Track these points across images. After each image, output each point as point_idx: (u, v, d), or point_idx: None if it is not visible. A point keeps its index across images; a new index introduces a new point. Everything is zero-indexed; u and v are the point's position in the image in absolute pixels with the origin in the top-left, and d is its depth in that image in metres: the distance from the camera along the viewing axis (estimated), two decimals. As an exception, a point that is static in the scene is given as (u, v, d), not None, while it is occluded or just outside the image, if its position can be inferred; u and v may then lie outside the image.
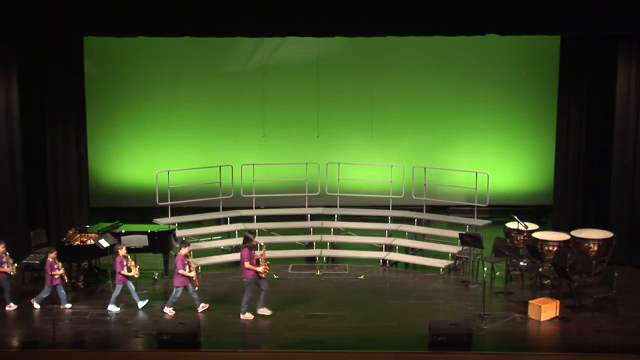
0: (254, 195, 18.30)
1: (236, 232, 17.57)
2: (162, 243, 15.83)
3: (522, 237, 15.84)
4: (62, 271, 14.19)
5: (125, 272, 14.12)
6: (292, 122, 19.85)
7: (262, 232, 17.49)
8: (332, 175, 18.79)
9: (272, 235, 17.56)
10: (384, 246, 17.15)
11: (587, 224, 16.70)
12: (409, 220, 17.89)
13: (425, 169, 18.21)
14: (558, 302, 13.76)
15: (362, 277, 15.95)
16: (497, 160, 19.62)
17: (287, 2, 15.33)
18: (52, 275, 14.07)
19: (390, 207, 18.19)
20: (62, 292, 14.26)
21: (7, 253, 14.29)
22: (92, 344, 12.91)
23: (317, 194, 18.67)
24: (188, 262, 14.00)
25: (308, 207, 18.58)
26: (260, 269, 13.78)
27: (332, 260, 16.99)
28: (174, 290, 13.99)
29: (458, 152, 19.72)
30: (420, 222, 17.87)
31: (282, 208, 18.51)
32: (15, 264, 14.47)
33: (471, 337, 12.62)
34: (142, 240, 15.56)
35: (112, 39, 18.14)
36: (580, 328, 13.34)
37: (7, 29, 15.54)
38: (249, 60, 19.78)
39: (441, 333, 12.60)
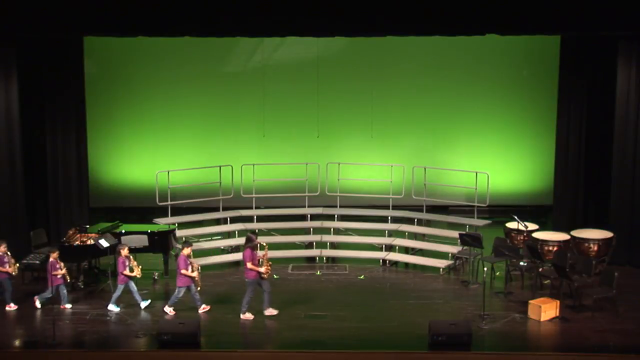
0: (254, 195, 18.30)
1: (236, 232, 17.58)
2: (162, 243, 15.83)
3: (522, 237, 15.84)
4: (64, 271, 14.19)
5: (127, 272, 14.12)
6: (292, 122, 19.85)
7: (262, 232, 17.47)
8: (332, 175, 18.79)
9: (272, 235, 17.56)
10: (384, 246, 17.15)
11: (587, 224, 16.70)
12: (409, 220, 17.89)
13: (425, 169, 18.22)
14: (558, 302, 13.77)
15: (362, 277, 15.95)
16: (497, 160, 19.62)
17: (287, 2, 15.33)
18: (55, 275, 14.07)
19: (390, 207, 18.19)
20: (63, 292, 14.26)
21: (9, 253, 14.29)
22: (92, 344, 12.91)
23: (317, 194, 18.67)
24: (191, 263, 13.99)
25: (308, 207, 18.58)
26: (262, 269, 13.77)
27: (332, 260, 16.99)
28: (177, 290, 13.99)
29: (458, 152, 19.72)
30: (420, 222, 17.87)
31: (282, 208, 18.51)
32: (17, 264, 14.48)
33: (471, 337, 12.62)
34: (142, 240, 15.56)
35: (112, 39, 18.15)
36: (580, 328, 13.34)
37: (7, 29, 15.53)
38: (249, 60, 19.78)
39: (441, 333, 12.60)
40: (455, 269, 16.31)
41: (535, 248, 14.90)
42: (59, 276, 14.12)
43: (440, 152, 19.77)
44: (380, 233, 17.67)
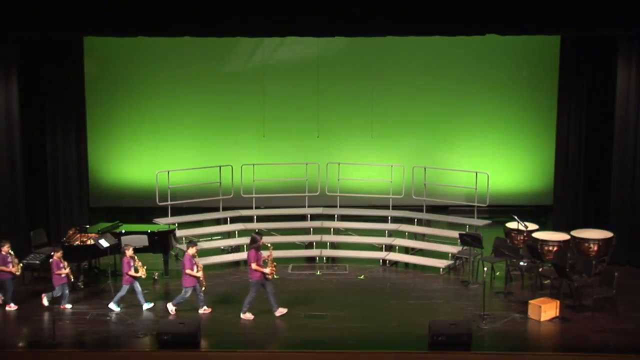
0: (254, 195, 18.30)
1: (236, 232, 17.58)
2: (162, 243, 15.83)
3: (522, 237, 15.84)
4: (67, 270, 14.20)
5: (132, 272, 14.11)
6: (292, 122, 19.85)
7: (262, 232, 17.42)
8: (332, 175, 18.79)
9: (272, 235, 17.56)
10: (384, 246, 17.15)
11: (587, 224, 16.71)
12: (409, 220, 17.89)
13: (425, 169, 18.22)
14: (558, 302, 13.76)
15: (362, 277, 15.95)
16: (497, 160, 19.61)
17: (287, 2, 15.33)
18: (59, 275, 14.07)
19: (390, 207, 18.19)
20: (66, 292, 14.26)
21: (12, 253, 14.29)
22: (92, 344, 12.91)
23: (317, 194, 18.67)
24: (195, 262, 13.98)
25: (308, 207, 18.58)
26: (267, 270, 13.76)
27: (332, 260, 16.99)
28: (183, 291, 13.96)
29: (458, 152, 19.72)
30: (420, 222, 17.87)
31: (282, 208, 18.51)
32: (20, 264, 14.48)
33: (471, 337, 12.62)
34: (142, 240, 15.56)
35: (112, 39, 18.15)
36: (580, 328, 13.34)
37: (7, 29, 15.53)
38: (249, 60, 19.78)
39: (441, 333, 12.60)
40: (455, 269, 16.31)
41: (535, 248, 14.90)
42: (62, 275, 14.12)
43: (440, 152, 19.77)
44: (380, 233, 17.66)
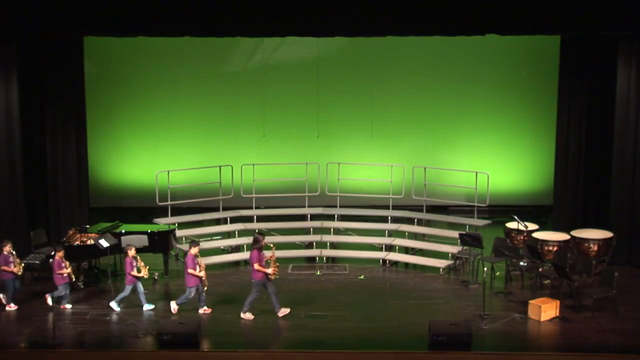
0: (254, 195, 18.30)
1: (236, 232, 17.58)
2: (162, 243, 15.83)
3: (522, 237, 15.84)
4: (69, 270, 14.20)
5: (135, 272, 14.11)
6: (292, 122, 19.85)
7: (262, 232, 17.45)
8: (332, 175, 18.79)
9: (272, 235, 17.55)
10: (384, 246, 17.15)
11: (587, 224, 16.70)
12: (409, 220, 17.89)
13: (425, 169, 18.22)
14: (558, 302, 13.76)
15: (362, 277, 15.94)
16: (497, 160, 19.61)
17: (287, 2, 15.33)
18: (60, 274, 14.06)
19: (390, 207, 18.19)
20: (67, 291, 14.25)
21: (14, 253, 14.29)
22: (92, 344, 12.91)
23: (317, 194, 18.67)
24: (198, 262, 13.98)
25: (308, 207, 18.58)
26: (269, 270, 13.75)
27: (332, 260, 16.99)
28: (187, 291, 13.95)
29: (458, 152, 19.72)
30: (420, 222, 17.87)
31: (282, 208, 18.51)
32: (22, 264, 14.48)
33: (471, 337, 12.62)
34: (142, 240, 15.56)
35: (112, 39, 18.15)
36: (580, 328, 13.33)
37: (7, 28, 15.53)
38: (249, 60, 19.78)
39: (441, 333, 12.60)
40: (455, 269, 16.30)
41: (535, 248, 14.90)
42: (64, 275, 14.13)
43: (440, 152, 19.77)
44: (380, 233, 17.66)
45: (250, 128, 19.80)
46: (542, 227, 16.69)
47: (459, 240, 15.97)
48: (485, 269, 14.63)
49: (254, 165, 18.47)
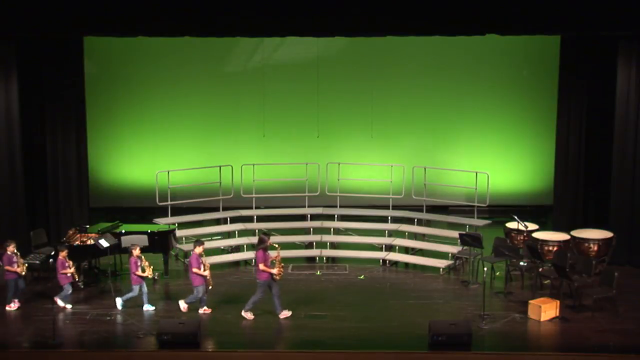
0: (254, 195, 18.30)
1: (236, 232, 17.58)
2: (162, 243, 15.83)
3: (522, 237, 15.84)
4: (72, 270, 14.20)
5: (139, 272, 14.11)
6: (292, 122, 19.85)
7: (262, 232, 17.45)
8: (332, 175, 18.79)
9: (273, 235, 17.54)
10: (384, 246, 17.15)
11: (587, 224, 16.70)
12: (409, 220, 17.89)
13: (425, 169, 18.22)
14: (558, 302, 13.76)
15: (362, 277, 15.94)
16: (497, 160, 19.61)
17: (287, 2, 15.33)
18: (64, 274, 14.06)
19: (390, 207, 18.19)
20: (68, 292, 14.24)
21: (18, 253, 14.28)
22: (92, 344, 12.91)
23: (317, 194, 18.67)
24: (202, 262, 13.97)
25: (308, 207, 18.58)
26: (274, 270, 13.74)
27: (332, 260, 16.99)
28: (195, 291, 13.93)
29: (458, 152, 19.72)
30: (420, 222, 17.87)
31: (282, 208, 18.51)
32: (26, 264, 14.47)
33: (471, 337, 12.62)
34: (142, 240, 15.55)
35: (112, 39, 18.15)
36: (580, 328, 13.33)
37: (7, 28, 15.54)
38: (249, 60, 19.78)
39: (441, 333, 12.59)
40: (455, 269, 16.31)
41: (535, 248, 14.90)
42: (67, 274, 14.12)
43: (440, 152, 19.77)
44: (380, 233, 17.66)
45: (250, 128, 19.80)
46: (542, 227, 16.70)
47: (459, 240, 15.97)
48: (485, 269, 14.64)
49: (254, 165, 18.47)
